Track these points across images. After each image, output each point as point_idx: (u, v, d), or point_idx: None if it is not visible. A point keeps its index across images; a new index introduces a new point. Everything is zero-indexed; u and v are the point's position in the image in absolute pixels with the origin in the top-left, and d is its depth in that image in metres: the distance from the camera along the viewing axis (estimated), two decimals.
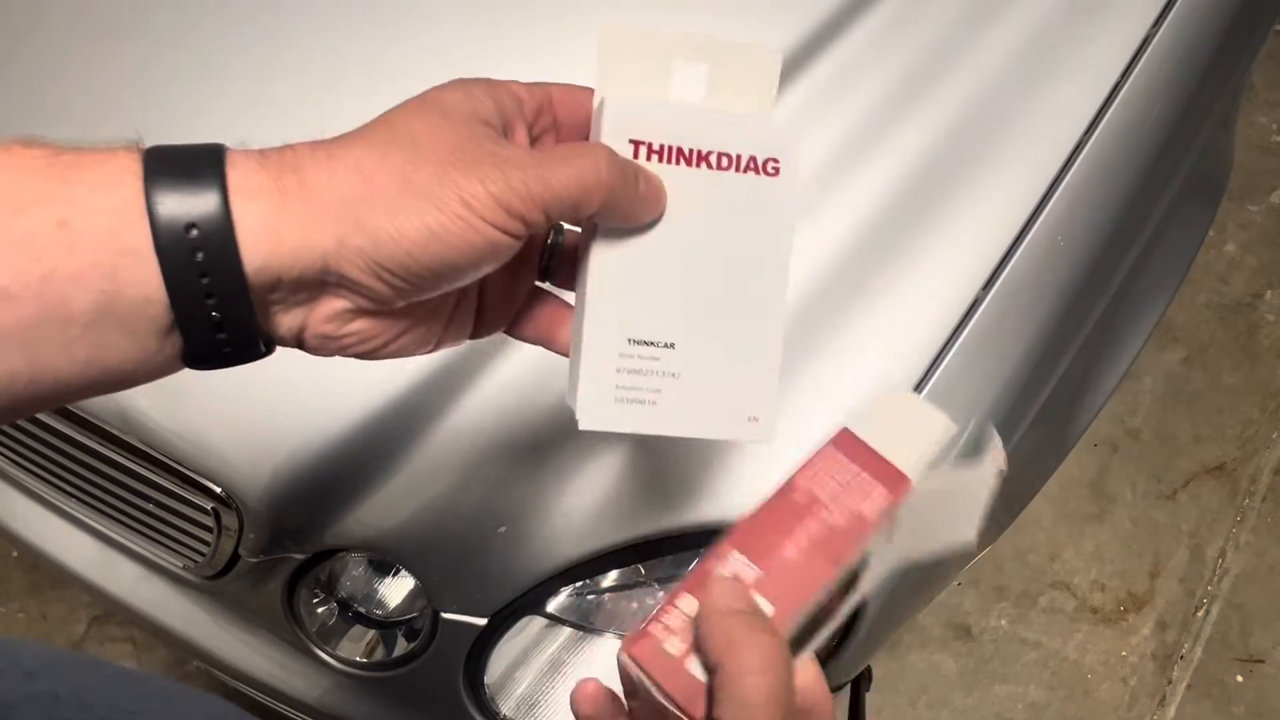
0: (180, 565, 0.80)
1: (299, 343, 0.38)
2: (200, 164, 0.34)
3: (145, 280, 0.33)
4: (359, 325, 0.38)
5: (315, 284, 0.36)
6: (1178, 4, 0.83)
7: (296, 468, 0.69)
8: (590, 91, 0.42)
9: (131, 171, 0.33)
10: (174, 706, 0.53)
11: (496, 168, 0.35)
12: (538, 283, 0.46)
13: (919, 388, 0.70)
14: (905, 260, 0.72)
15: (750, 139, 0.41)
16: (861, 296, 0.71)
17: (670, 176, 0.40)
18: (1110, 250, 0.81)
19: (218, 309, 0.34)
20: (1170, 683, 1.44)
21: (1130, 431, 1.63)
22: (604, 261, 0.40)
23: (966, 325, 0.72)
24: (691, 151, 0.40)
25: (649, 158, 0.40)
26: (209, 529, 0.74)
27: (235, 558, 0.75)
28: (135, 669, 0.57)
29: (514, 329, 0.46)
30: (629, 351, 0.41)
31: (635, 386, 0.41)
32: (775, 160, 0.41)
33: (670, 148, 0.40)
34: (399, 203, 0.34)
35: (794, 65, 0.77)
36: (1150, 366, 1.68)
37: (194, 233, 0.33)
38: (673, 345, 0.41)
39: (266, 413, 0.69)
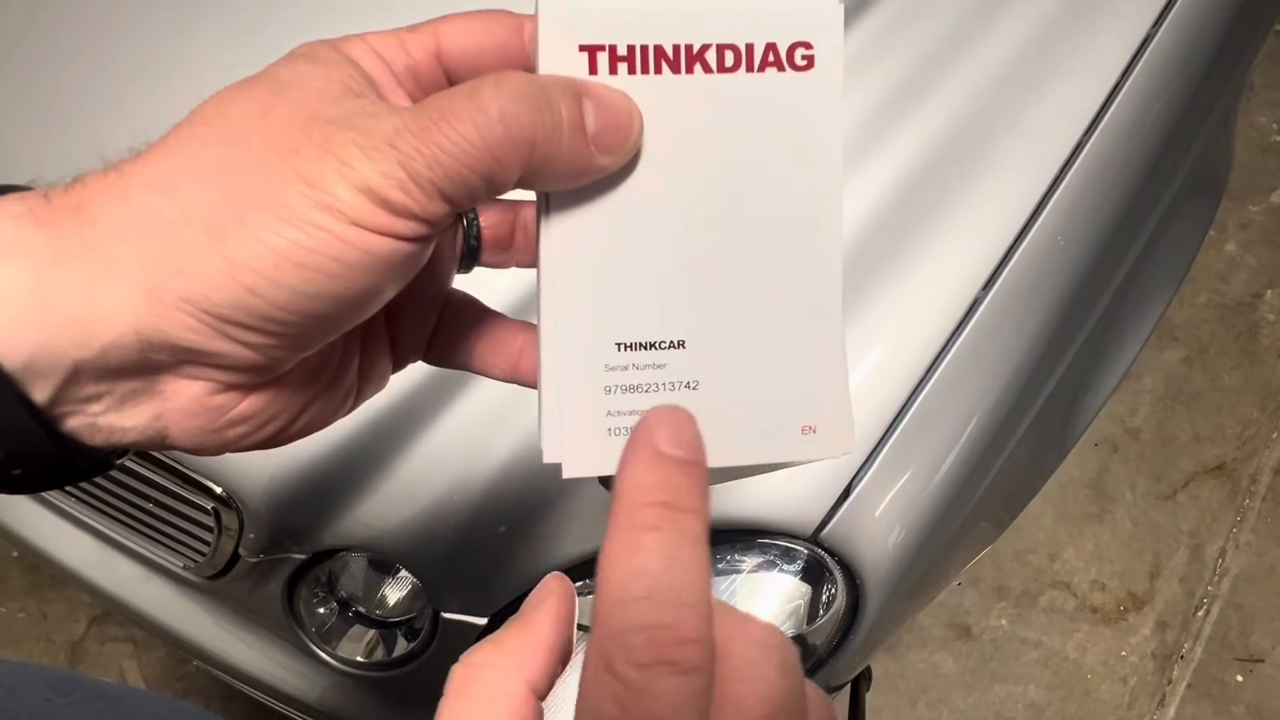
0: (180, 565, 0.80)
1: (162, 446, 0.28)
2: None
3: None
4: (244, 408, 0.27)
5: (141, 366, 0.25)
6: (1178, 4, 0.83)
7: (296, 468, 0.69)
8: (501, 16, 0.28)
9: None
10: None
11: (359, 146, 0.24)
12: (460, 275, 0.34)
13: (919, 387, 0.70)
14: (905, 259, 0.72)
15: (765, 19, 0.27)
16: (862, 296, 0.71)
17: (649, 92, 0.27)
18: (1110, 250, 0.81)
19: None
20: (1170, 682, 1.45)
21: (1130, 431, 1.63)
22: (565, 238, 0.28)
23: (966, 325, 0.72)
24: (676, 49, 0.27)
25: (613, 69, 0.27)
26: (209, 529, 0.74)
27: (235, 557, 0.75)
28: (117, 684, 0.53)
29: (432, 353, 0.34)
30: (619, 361, 0.28)
31: (635, 409, 0.28)
32: (806, 45, 0.28)
33: (643, 48, 0.27)
34: (225, 221, 0.24)
35: None
36: (1150, 366, 1.68)
37: None
38: (683, 344, 0.28)
39: None
